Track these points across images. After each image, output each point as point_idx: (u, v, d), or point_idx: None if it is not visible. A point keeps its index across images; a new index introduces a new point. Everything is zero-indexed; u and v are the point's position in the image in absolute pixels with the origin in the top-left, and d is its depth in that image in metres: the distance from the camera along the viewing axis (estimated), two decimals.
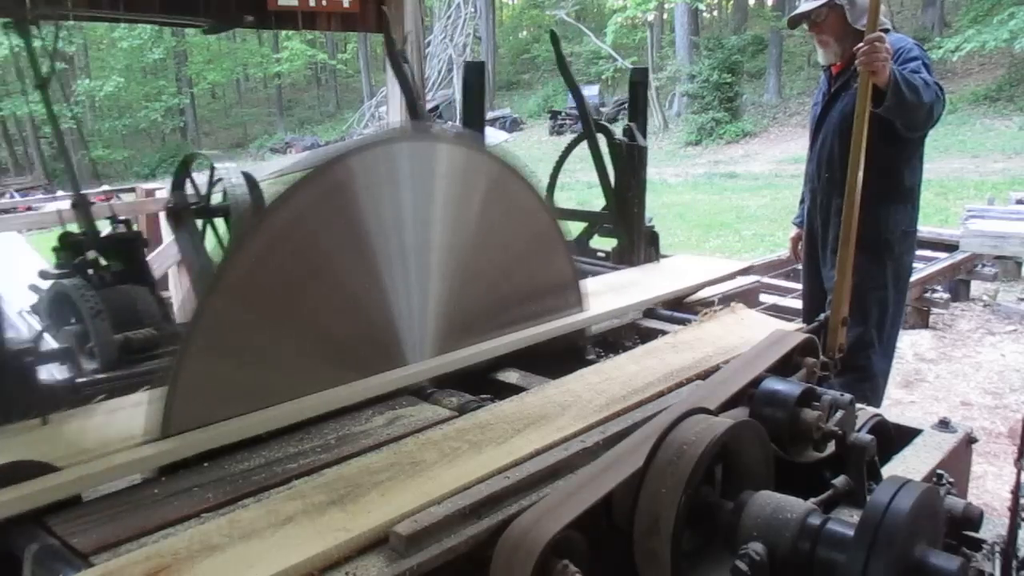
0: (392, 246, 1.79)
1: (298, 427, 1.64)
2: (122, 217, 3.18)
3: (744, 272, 3.17)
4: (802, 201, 3.61)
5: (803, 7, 3.15)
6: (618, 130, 3.30)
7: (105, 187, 8.07)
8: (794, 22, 3.25)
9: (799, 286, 4.35)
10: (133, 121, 33.77)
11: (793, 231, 3.74)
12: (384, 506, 1.28)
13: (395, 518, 1.24)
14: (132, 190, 7.86)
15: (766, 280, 6.34)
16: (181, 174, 3.37)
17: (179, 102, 35.23)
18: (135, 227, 3.29)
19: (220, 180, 3.30)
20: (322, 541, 1.18)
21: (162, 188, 7.03)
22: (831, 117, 3.21)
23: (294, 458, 1.52)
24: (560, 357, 2.17)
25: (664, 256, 3.42)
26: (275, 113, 36.86)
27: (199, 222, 3.33)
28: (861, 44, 2.41)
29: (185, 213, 3.29)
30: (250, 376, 1.61)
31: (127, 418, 1.61)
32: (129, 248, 3.05)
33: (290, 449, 1.56)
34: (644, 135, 3.26)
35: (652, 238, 3.29)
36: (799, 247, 3.65)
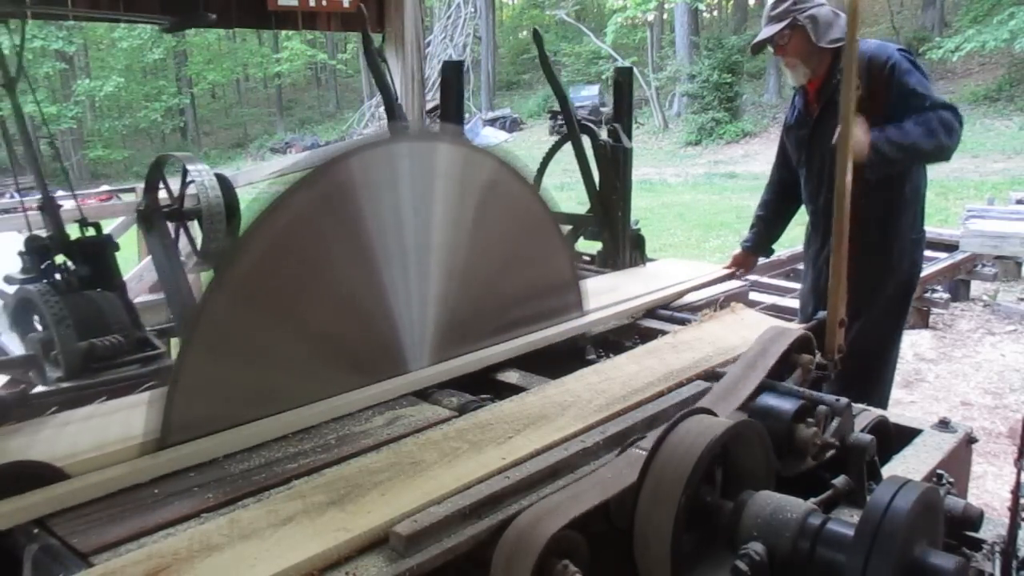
0: (392, 246, 1.79)
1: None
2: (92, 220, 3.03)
3: (730, 276, 3.12)
4: (753, 227, 3.50)
5: (764, 33, 3.01)
6: (605, 131, 3.21)
7: (105, 187, 8.02)
8: (757, 48, 3.10)
9: (798, 285, 4.34)
10: (133, 121, 33.75)
11: (737, 251, 3.49)
12: (384, 506, 1.28)
13: (395, 518, 1.24)
14: (132, 190, 7.82)
15: (765, 280, 6.35)
16: (154, 176, 3.23)
17: (179, 102, 35.23)
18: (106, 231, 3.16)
19: (192, 182, 3.18)
20: (322, 541, 1.18)
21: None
22: (825, 137, 2.90)
23: (294, 458, 1.52)
24: (559, 358, 2.17)
25: (651, 260, 3.32)
26: (275, 113, 36.83)
27: (171, 225, 3.20)
28: (837, 134, 1.93)
29: (156, 216, 3.16)
30: (249, 376, 1.61)
31: (128, 418, 1.61)
32: (98, 252, 2.92)
33: (290, 449, 1.56)
34: (629, 136, 3.19)
35: (637, 241, 3.21)
36: (744, 265, 3.44)
